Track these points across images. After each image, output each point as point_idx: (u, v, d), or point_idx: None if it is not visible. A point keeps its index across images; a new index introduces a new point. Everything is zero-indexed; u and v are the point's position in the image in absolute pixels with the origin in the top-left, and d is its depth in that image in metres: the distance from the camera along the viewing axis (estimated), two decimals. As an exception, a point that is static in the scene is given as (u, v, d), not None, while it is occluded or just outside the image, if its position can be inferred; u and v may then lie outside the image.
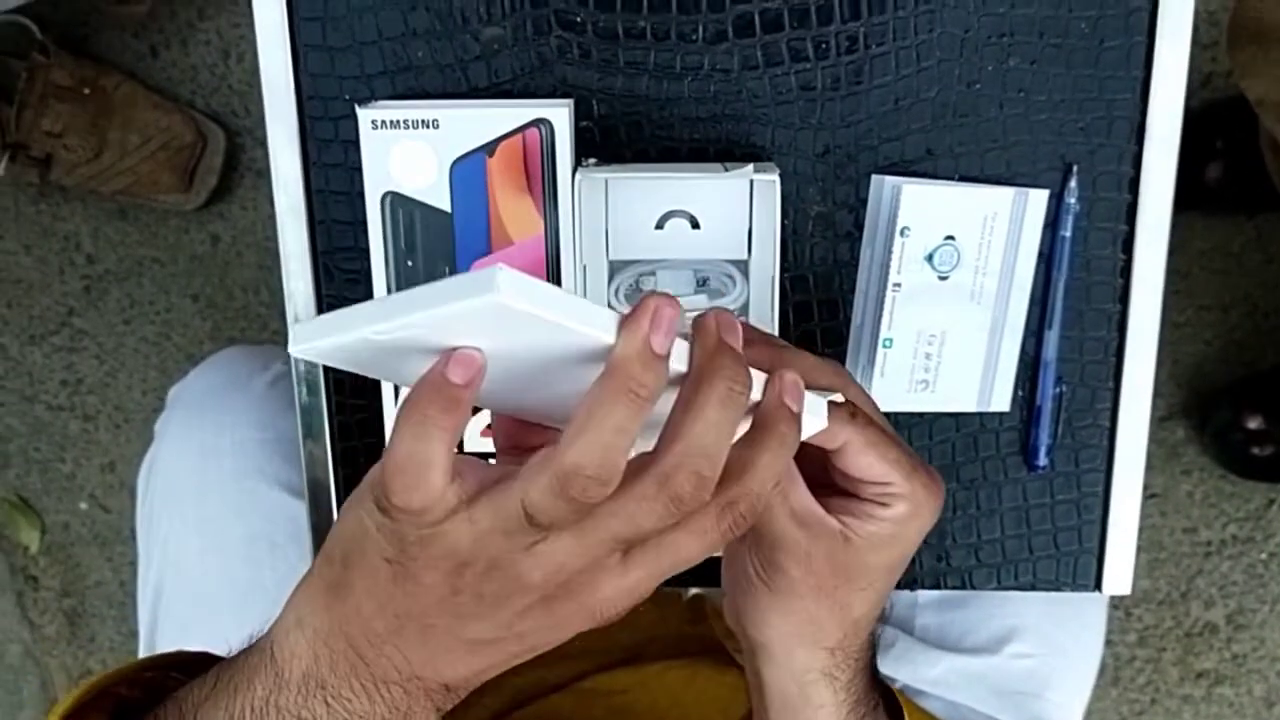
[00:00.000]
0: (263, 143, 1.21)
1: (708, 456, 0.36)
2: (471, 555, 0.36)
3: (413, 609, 0.38)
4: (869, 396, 0.49)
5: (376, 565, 0.38)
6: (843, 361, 0.61)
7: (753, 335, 0.47)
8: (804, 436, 0.45)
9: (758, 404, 0.40)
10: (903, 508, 0.47)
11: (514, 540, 0.36)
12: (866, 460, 0.46)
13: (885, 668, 0.74)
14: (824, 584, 0.48)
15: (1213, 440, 1.23)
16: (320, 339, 0.36)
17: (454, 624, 0.38)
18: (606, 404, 0.34)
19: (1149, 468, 0.62)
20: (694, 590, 0.78)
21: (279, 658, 0.40)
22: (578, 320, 0.34)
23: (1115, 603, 1.26)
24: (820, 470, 0.48)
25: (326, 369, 0.62)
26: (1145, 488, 0.62)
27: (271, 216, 0.58)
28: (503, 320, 0.34)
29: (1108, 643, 1.30)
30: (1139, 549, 0.63)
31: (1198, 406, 1.24)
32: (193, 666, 0.44)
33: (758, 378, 0.39)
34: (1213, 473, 1.25)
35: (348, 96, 0.58)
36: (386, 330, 0.35)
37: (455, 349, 0.36)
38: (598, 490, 0.34)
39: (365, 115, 0.55)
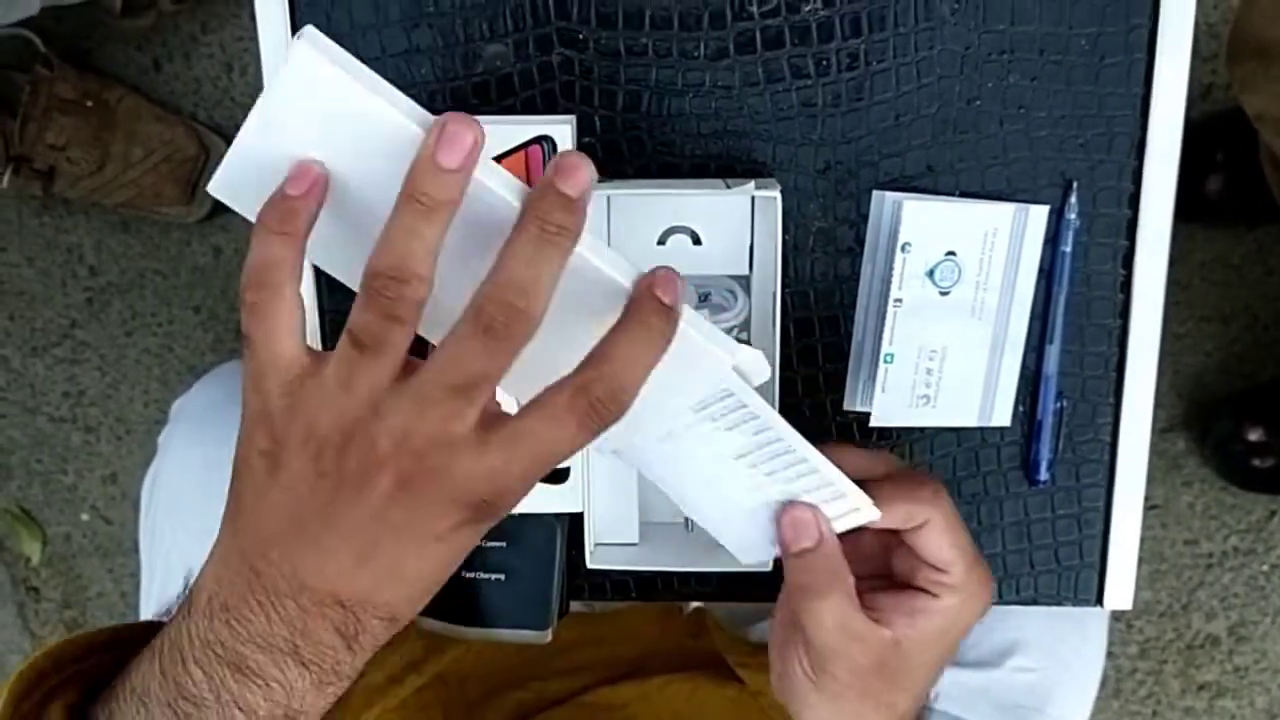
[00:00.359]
0: (265, 155, 1.22)
1: (520, 289, 0.37)
2: (328, 427, 0.38)
3: (287, 503, 0.39)
4: None
5: (255, 464, 0.39)
6: (843, 377, 0.61)
7: None
8: (845, 525, 0.47)
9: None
10: (953, 600, 0.48)
11: (354, 394, 0.37)
12: (939, 542, 0.48)
13: (887, 682, 0.74)
14: (870, 688, 0.49)
15: (1214, 452, 1.23)
16: (222, 166, 0.40)
17: (327, 514, 0.38)
18: (398, 210, 0.37)
19: (1150, 480, 0.62)
20: (695, 604, 0.78)
21: (192, 589, 0.41)
22: (386, 98, 0.38)
23: (1116, 615, 1.26)
24: (873, 564, 0.50)
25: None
26: (1146, 500, 0.63)
27: (274, 230, 0.58)
28: (325, 102, 0.38)
29: (1109, 654, 1.29)
30: (1140, 561, 0.63)
31: (1198, 418, 1.24)
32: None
33: (625, 266, 0.40)
34: (1214, 484, 1.25)
35: (351, 113, 0.59)
36: (248, 133, 0.39)
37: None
38: (397, 289, 0.36)
39: (368, 132, 0.55)
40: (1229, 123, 1.12)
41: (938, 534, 0.47)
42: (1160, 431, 1.24)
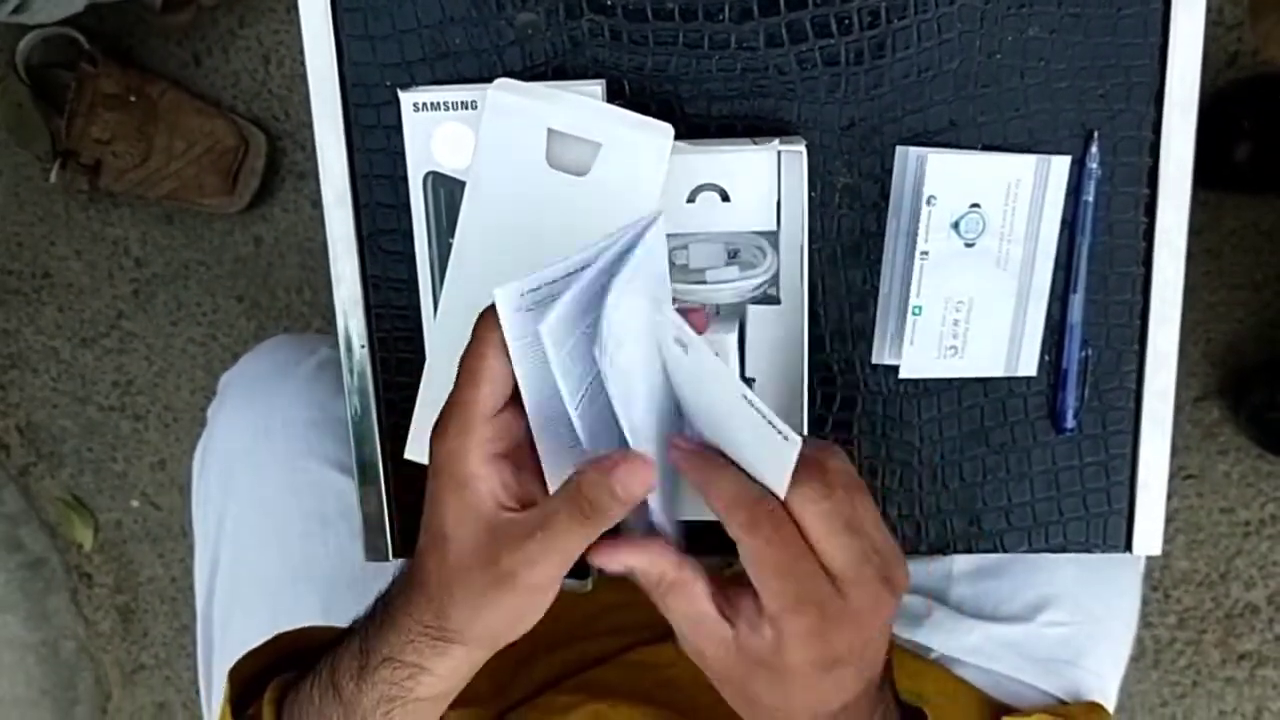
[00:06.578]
0: (303, 145, 1.24)
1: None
2: None
3: None
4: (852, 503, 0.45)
5: None
6: (871, 329, 0.62)
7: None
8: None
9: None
10: (769, 634, 0.43)
11: None
12: (751, 570, 0.43)
13: (922, 637, 0.75)
14: (734, 696, 0.46)
15: (1248, 420, 1.22)
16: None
17: None
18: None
19: (1185, 448, 0.62)
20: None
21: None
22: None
23: (1154, 584, 1.26)
24: None
25: (373, 351, 0.64)
26: (1182, 469, 0.63)
27: (313, 218, 0.60)
28: None
29: (1147, 624, 1.29)
30: (1177, 531, 0.64)
31: (1232, 386, 1.24)
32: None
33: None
34: (1249, 452, 1.25)
35: (389, 83, 0.61)
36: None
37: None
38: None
39: (407, 98, 0.57)
40: (1256, 89, 1.12)
41: (747, 562, 0.43)
42: (1194, 400, 1.24)
